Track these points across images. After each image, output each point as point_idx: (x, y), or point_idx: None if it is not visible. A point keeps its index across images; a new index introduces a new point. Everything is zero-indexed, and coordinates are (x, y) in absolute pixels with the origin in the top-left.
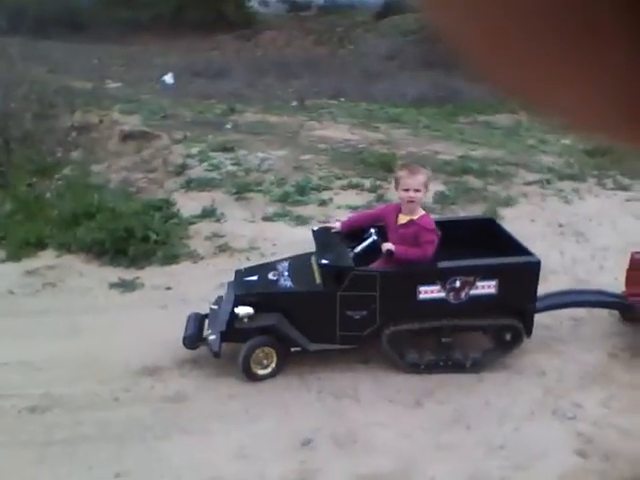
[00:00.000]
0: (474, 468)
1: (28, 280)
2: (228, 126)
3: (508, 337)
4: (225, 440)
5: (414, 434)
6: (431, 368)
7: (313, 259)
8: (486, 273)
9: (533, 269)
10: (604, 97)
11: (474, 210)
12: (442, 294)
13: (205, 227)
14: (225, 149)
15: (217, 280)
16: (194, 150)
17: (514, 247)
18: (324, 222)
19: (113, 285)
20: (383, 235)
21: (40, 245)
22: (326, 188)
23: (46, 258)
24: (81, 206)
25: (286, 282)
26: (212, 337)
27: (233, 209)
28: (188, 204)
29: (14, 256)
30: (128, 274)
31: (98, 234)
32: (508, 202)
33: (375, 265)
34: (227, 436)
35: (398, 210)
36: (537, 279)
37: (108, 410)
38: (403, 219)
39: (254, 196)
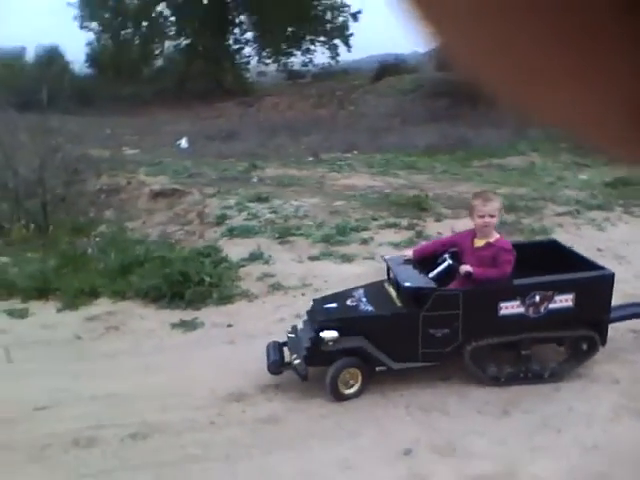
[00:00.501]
0: (572, 465)
1: (91, 325)
2: (254, 180)
3: (584, 347)
4: (327, 454)
5: (508, 440)
6: (511, 380)
7: (386, 285)
8: (564, 287)
9: (608, 281)
10: (604, 103)
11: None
12: (522, 309)
13: (254, 269)
14: (260, 199)
15: (276, 315)
16: (230, 202)
17: (584, 263)
18: (369, 258)
19: (175, 325)
20: (456, 260)
21: (93, 294)
22: (365, 229)
23: (103, 305)
24: (128, 257)
25: (366, 307)
26: (297, 361)
27: (278, 252)
28: (234, 250)
29: (71, 305)
30: (187, 315)
31: (153, 280)
32: (544, 232)
33: (451, 287)
34: (328, 450)
35: (473, 235)
36: (611, 291)
37: (207, 433)
38: (479, 242)
39: (296, 239)
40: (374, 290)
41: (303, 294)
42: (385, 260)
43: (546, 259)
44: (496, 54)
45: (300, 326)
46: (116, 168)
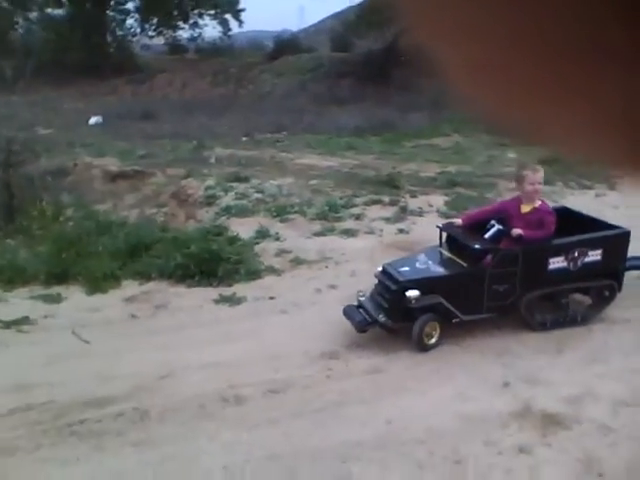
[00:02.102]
0: (630, 385)
1: (135, 306)
2: (212, 160)
3: (607, 294)
4: (441, 392)
5: (573, 371)
6: (554, 325)
7: (443, 250)
8: (595, 243)
9: (626, 237)
10: (602, 121)
11: None
12: (565, 264)
13: (269, 246)
14: (239, 179)
15: (310, 287)
16: (209, 182)
17: (596, 223)
18: (369, 232)
19: (218, 301)
20: (502, 225)
21: (113, 277)
22: (353, 205)
23: (132, 287)
24: (132, 239)
25: (436, 268)
26: (383, 318)
27: (282, 229)
28: (238, 229)
29: (98, 288)
30: (223, 291)
31: (171, 260)
32: None
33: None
34: (441, 389)
35: (519, 202)
36: (628, 245)
37: (329, 384)
38: (526, 208)
39: (295, 217)
40: (434, 254)
41: (327, 267)
42: (440, 227)
43: (562, 223)
44: (491, 71)
45: (366, 293)
46: (50, 150)
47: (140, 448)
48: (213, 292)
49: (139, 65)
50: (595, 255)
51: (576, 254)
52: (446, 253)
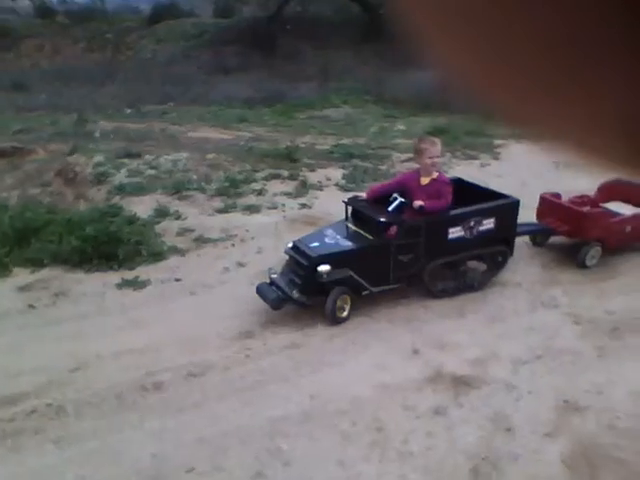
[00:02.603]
0: (526, 344)
1: (31, 295)
2: (97, 134)
3: (500, 259)
4: (360, 362)
5: (475, 333)
6: (454, 292)
7: (349, 224)
8: (488, 213)
9: (516, 206)
10: (598, 115)
11: None
12: (462, 233)
13: (170, 225)
14: (130, 155)
15: (218, 266)
16: (98, 159)
17: (488, 193)
18: (272, 208)
19: (121, 285)
20: (404, 197)
21: (1, 265)
22: (253, 180)
23: (24, 275)
24: (20, 222)
25: (345, 242)
26: (297, 295)
27: (182, 207)
28: (135, 208)
29: None
30: (125, 275)
31: (66, 244)
32: None
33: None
34: (358, 359)
35: (418, 175)
36: (517, 214)
37: (250, 364)
38: (425, 180)
39: (193, 194)
40: (341, 229)
41: (233, 244)
42: (345, 202)
43: (457, 193)
44: (493, 64)
45: (276, 270)
46: None
47: (61, 445)
48: (115, 276)
49: (4, 29)
50: (489, 224)
51: (472, 223)
52: (352, 227)
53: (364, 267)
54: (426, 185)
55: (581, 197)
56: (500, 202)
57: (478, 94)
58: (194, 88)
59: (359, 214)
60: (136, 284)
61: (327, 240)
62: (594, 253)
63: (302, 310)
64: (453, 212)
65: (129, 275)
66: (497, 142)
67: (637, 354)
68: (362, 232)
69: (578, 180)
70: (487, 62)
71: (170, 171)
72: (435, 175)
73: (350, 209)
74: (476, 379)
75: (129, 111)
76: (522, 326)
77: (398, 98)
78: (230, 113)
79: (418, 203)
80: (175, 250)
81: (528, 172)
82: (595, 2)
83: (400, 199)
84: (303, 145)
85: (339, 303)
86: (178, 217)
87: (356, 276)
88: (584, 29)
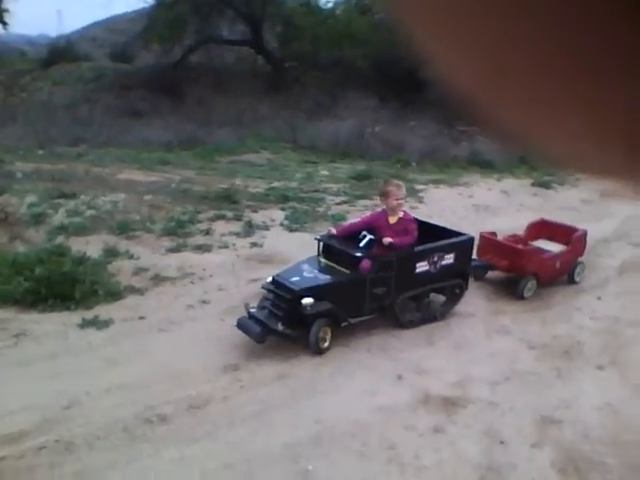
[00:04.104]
0: (497, 367)
1: None
2: (19, 175)
3: (458, 291)
4: (350, 389)
5: (448, 359)
6: (420, 322)
7: (321, 259)
8: (450, 248)
9: (471, 243)
10: (601, 132)
11: (324, 226)
12: (427, 267)
13: (123, 264)
14: (65, 196)
15: (181, 303)
16: (31, 199)
17: (444, 231)
18: (223, 247)
19: (83, 325)
20: (373, 234)
21: None
22: (198, 221)
23: None
24: None
25: (323, 276)
26: (281, 327)
27: (132, 247)
28: (81, 248)
29: None
30: (85, 315)
31: (9, 285)
32: (344, 218)
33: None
34: (348, 386)
35: (386, 214)
36: (472, 249)
37: (247, 394)
38: (393, 219)
39: (140, 234)
40: (315, 263)
41: (192, 282)
42: (318, 239)
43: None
44: (496, 79)
45: (254, 304)
46: None
47: (82, 477)
48: (73, 316)
49: None
50: (449, 259)
51: (436, 258)
52: (326, 262)
53: (342, 299)
54: (394, 224)
55: (513, 236)
56: (460, 239)
57: (483, 107)
58: (103, 131)
59: (332, 250)
60: (98, 323)
61: (306, 274)
62: (530, 286)
63: (281, 342)
64: (420, 248)
65: (88, 315)
66: (418, 187)
67: (588, 373)
68: (337, 266)
69: (496, 220)
70: (489, 74)
71: (111, 212)
72: (401, 214)
73: (322, 245)
74: (461, 399)
75: (41, 152)
76: (485, 352)
77: (315, 145)
78: (150, 156)
79: (388, 240)
80: (132, 289)
81: (453, 214)
82: (595, 20)
83: (369, 236)
84: (236, 188)
85: (321, 334)
86: (131, 257)
87: (336, 308)
88: (585, 46)
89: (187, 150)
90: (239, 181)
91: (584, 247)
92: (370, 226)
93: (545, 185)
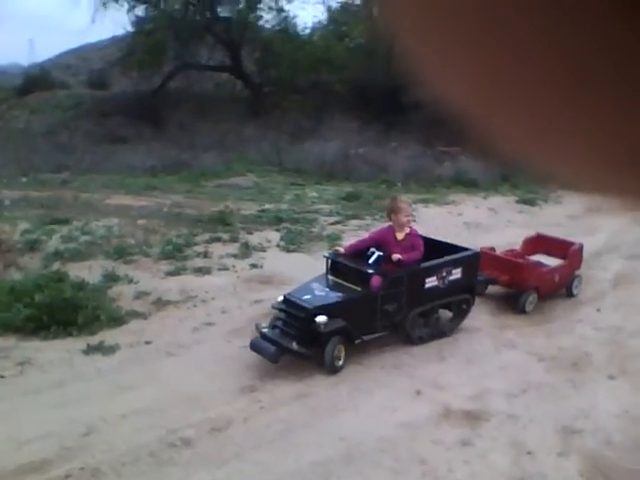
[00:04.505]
0: (510, 378)
1: None
2: (7, 203)
3: (465, 307)
4: (370, 405)
5: (460, 374)
6: (429, 338)
7: (330, 276)
8: (457, 264)
9: (477, 258)
10: (607, 150)
11: (320, 246)
12: (436, 282)
13: (123, 289)
14: (59, 222)
15: (186, 326)
16: (24, 226)
17: (451, 247)
18: (223, 269)
19: (88, 352)
20: (380, 251)
21: None
22: (195, 244)
23: None
24: None
25: (335, 294)
26: (296, 346)
27: (131, 271)
28: (79, 274)
29: None
30: (89, 341)
31: (9, 312)
32: (340, 238)
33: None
34: (368, 403)
35: (393, 230)
36: (479, 264)
37: (268, 415)
38: (400, 235)
39: (137, 258)
40: (324, 282)
41: (195, 305)
42: (327, 256)
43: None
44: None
45: (265, 324)
46: None
47: None
48: (77, 343)
49: None
50: (457, 273)
51: (444, 274)
52: (336, 279)
53: (355, 317)
54: (402, 240)
55: (510, 251)
56: (466, 253)
57: (476, 120)
58: (86, 157)
59: (340, 267)
60: (103, 349)
61: (317, 292)
62: (532, 300)
63: (294, 362)
64: (430, 263)
65: (92, 341)
66: None
67: (601, 383)
68: (347, 284)
69: (487, 237)
70: (482, 83)
71: (106, 237)
72: (407, 230)
73: (330, 263)
74: (482, 412)
75: (25, 179)
76: (496, 365)
77: (300, 168)
78: (136, 181)
79: (397, 256)
80: (135, 314)
81: (445, 232)
82: (590, 23)
83: (378, 253)
84: (228, 210)
85: (336, 352)
86: (130, 281)
87: (349, 326)
88: (580, 50)
89: (172, 175)
90: (230, 204)
91: (581, 260)
92: (378, 242)
93: (530, 202)
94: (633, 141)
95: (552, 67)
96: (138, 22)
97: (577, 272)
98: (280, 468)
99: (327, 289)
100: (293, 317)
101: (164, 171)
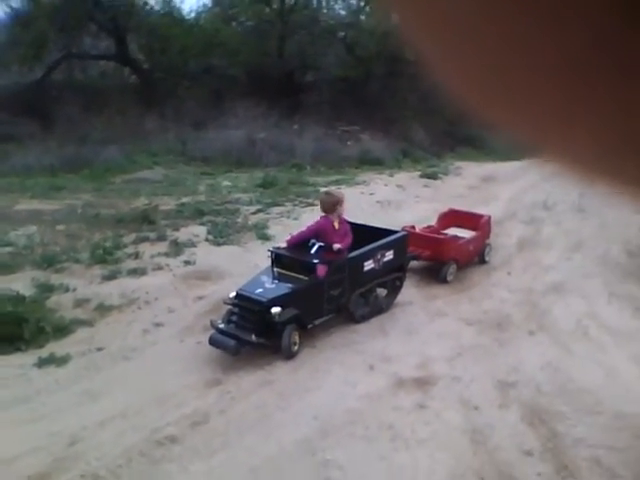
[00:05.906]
0: (449, 344)
1: None
2: None
3: (398, 284)
4: (332, 383)
5: (404, 346)
6: (370, 316)
7: (275, 269)
8: (390, 246)
9: (406, 238)
10: (607, 139)
11: (249, 237)
12: (373, 265)
13: (62, 298)
14: None
15: (135, 329)
16: None
17: (379, 230)
18: (158, 269)
19: (40, 365)
20: (320, 241)
21: None
22: (123, 245)
23: None
24: None
25: (285, 285)
26: (254, 338)
27: (65, 279)
28: (13, 286)
29: None
30: (38, 354)
31: None
32: (266, 226)
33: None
34: (329, 381)
35: (331, 221)
36: (407, 244)
37: (241, 404)
38: (337, 225)
39: (68, 265)
40: (270, 274)
41: (139, 307)
42: (271, 250)
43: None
44: (490, 80)
45: (219, 319)
46: None
47: None
48: (27, 357)
49: None
50: (390, 255)
51: (379, 256)
52: (283, 271)
53: (305, 304)
54: (339, 229)
55: (428, 227)
56: (397, 236)
57: (478, 109)
58: None
59: (286, 259)
60: (56, 361)
61: (267, 285)
62: (452, 270)
63: (252, 352)
64: (367, 248)
65: (42, 353)
66: (321, 189)
67: (523, 340)
68: (293, 274)
69: (400, 213)
70: (484, 74)
71: (29, 246)
72: (341, 219)
73: (274, 256)
74: (430, 377)
75: None
76: (432, 333)
77: (207, 157)
78: (38, 183)
79: (337, 246)
80: (80, 322)
81: (360, 211)
82: (592, 18)
83: (319, 243)
84: (146, 207)
85: (291, 339)
86: (67, 289)
87: (301, 314)
88: (581, 44)
89: (73, 173)
90: (145, 199)
91: (490, 230)
92: (317, 234)
93: (432, 176)
94: (627, 128)
95: (550, 55)
96: (15, 14)
97: (487, 241)
98: (267, 450)
99: (276, 281)
100: (248, 311)
101: (63, 169)
